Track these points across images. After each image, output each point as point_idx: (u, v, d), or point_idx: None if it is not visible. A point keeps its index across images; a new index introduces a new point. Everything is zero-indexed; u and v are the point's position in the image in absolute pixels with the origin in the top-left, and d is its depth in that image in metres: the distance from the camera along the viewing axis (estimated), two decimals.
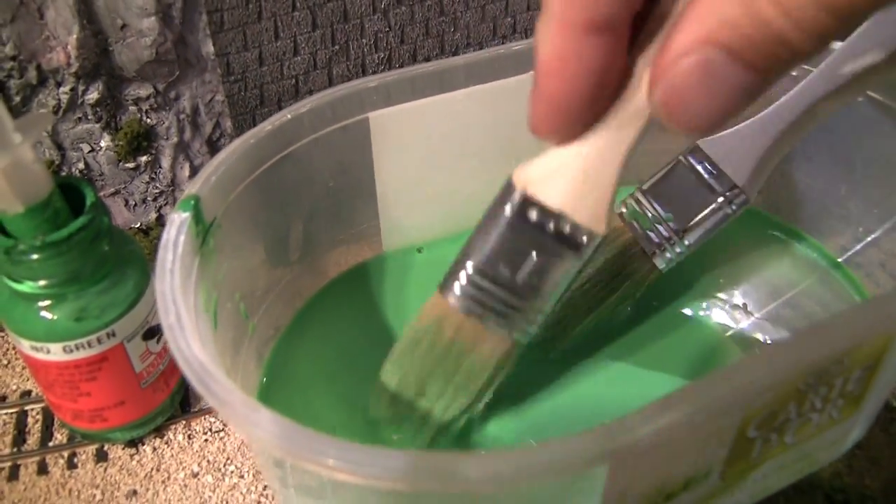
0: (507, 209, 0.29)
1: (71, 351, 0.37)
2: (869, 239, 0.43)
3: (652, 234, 0.38)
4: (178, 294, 0.27)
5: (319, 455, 0.22)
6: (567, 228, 0.28)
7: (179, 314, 0.26)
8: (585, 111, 0.24)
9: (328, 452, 0.22)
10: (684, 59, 0.20)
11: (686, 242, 0.38)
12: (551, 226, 0.28)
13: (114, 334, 0.38)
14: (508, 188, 0.29)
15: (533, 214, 0.28)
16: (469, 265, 0.30)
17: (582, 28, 0.22)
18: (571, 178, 0.27)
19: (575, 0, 0.22)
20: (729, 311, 0.42)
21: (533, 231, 0.29)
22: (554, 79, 0.23)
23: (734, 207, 0.37)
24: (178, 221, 0.30)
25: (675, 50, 0.21)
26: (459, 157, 0.42)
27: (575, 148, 0.27)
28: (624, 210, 0.40)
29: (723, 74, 0.20)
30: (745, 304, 0.42)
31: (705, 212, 0.37)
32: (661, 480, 0.27)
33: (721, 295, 0.43)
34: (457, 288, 0.31)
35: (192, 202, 0.30)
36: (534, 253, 0.29)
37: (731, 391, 0.24)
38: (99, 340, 0.37)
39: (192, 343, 0.25)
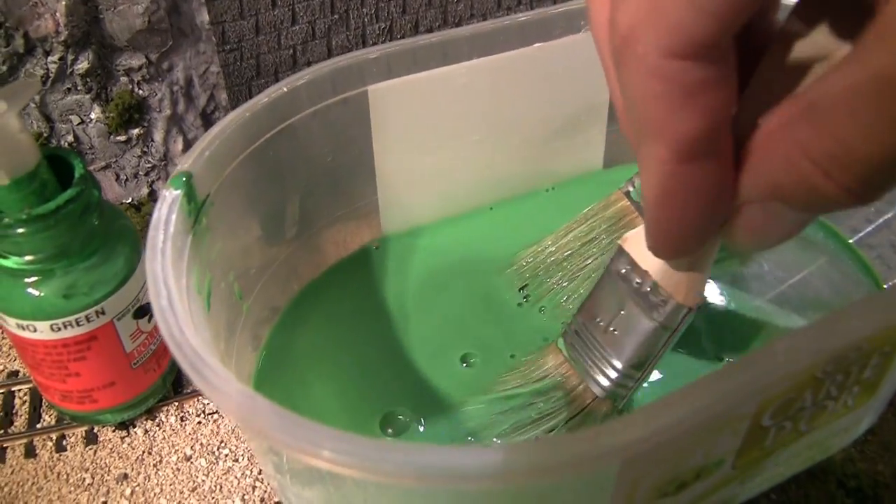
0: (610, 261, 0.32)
1: (59, 329, 0.36)
2: (881, 220, 0.43)
3: None
4: (169, 275, 0.26)
5: (317, 447, 0.21)
6: (648, 288, 0.30)
7: (171, 297, 0.25)
8: (705, 234, 0.24)
9: (325, 444, 0.21)
10: (750, 207, 0.22)
11: None
12: (636, 281, 0.30)
13: (103, 312, 0.36)
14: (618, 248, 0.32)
15: (626, 268, 0.31)
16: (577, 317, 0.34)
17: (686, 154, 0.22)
18: None
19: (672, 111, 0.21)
20: (737, 294, 0.41)
21: (622, 284, 0.31)
22: (666, 211, 0.23)
23: None
24: (169, 199, 0.28)
25: (741, 196, 0.22)
26: (461, 133, 0.41)
27: None
28: (631, 189, 0.39)
29: (785, 217, 0.22)
30: (753, 286, 0.42)
31: None
32: (674, 471, 0.26)
33: (728, 278, 0.42)
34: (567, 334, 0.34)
35: (185, 179, 0.29)
36: (622, 308, 0.31)
37: (746, 384, 0.23)
38: (88, 318, 0.36)
39: (185, 327, 0.24)
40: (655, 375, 0.37)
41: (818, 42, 0.21)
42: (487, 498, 0.25)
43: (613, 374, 0.32)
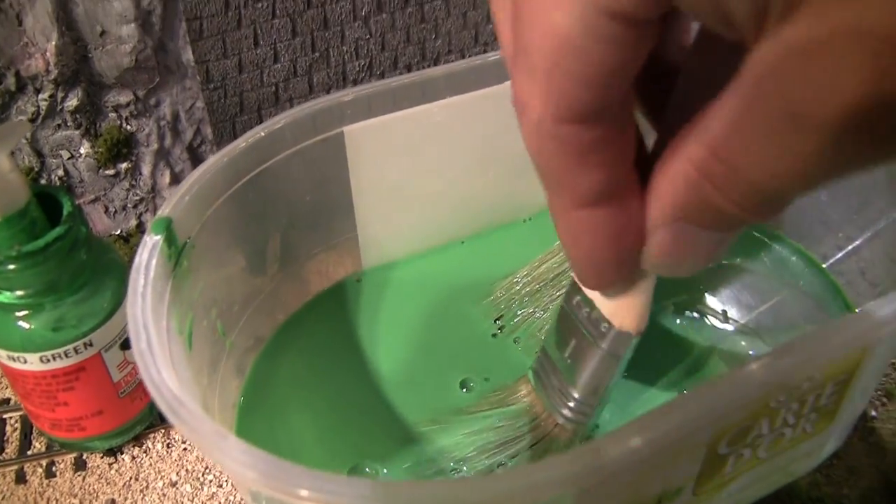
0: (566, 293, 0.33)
1: (48, 361, 0.37)
2: (850, 247, 0.43)
3: None
4: (149, 319, 0.27)
5: (288, 485, 0.22)
6: (595, 317, 0.31)
7: (150, 340, 0.26)
8: (622, 265, 0.25)
9: (297, 482, 0.22)
10: (657, 231, 0.23)
11: None
12: (585, 311, 0.31)
13: (91, 344, 0.37)
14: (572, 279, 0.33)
15: (577, 299, 0.32)
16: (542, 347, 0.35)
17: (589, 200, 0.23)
18: None
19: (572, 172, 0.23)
20: (710, 319, 0.42)
21: (575, 314, 0.32)
22: (577, 251, 0.25)
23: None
24: (149, 244, 0.30)
25: (650, 221, 0.23)
26: (438, 169, 0.42)
27: None
28: None
29: (695, 238, 0.22)
30: (725, 312, 0.42)
31: None
32: (632, 499, 0.27)
33: (701, 303, 0.43)
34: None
35: (164, 224, 0.30)
36: (575, 337, 0.32)
37: (695, 416, 0.24)
38: (76, 350, 0.37)
39: (163, 369, 0.25)
40: (635, 408, 0.38)
41: (716, 72, 0.22)
42: None
43: (571, 403, 0.34)
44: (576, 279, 0.26)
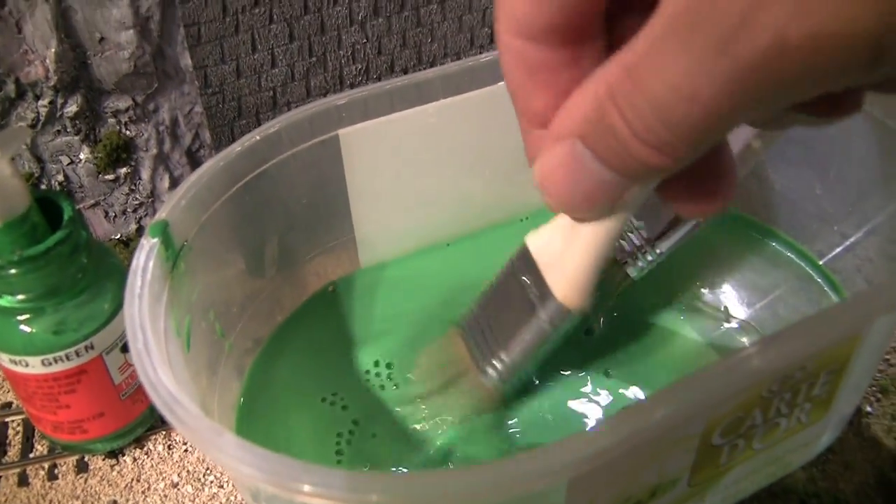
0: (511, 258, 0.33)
1: (49, 364, 0.37)
2: (846, 243, 0.43)
3: (624, 243, 0.38)
4: (146, 320, 0.27)
5: (283, 478, 0.22)
6: (537, 284, 0.31)
7: (147, 340, 0.26)
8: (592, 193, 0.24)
9: (291, 475, 0.22)
10: (557, 143, 0.21)
11: (658, 251, 0.38)
12: (528, 277, 0.32)
13: (92, 347, 0.38)
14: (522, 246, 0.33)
15: (523, 265, 0.32)
16: (476, 307, 0.36)
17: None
18: (558, 247, 0.30)
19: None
20: (708, 316, 0.42)
21: (517, 278, 0.32)
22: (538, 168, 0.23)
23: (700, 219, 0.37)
24: (146, 247, 0.30)
25: (552, 131, 0.22)
26: (435, 169, 0.42)
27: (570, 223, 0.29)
28: None
29: (587, 167, 0.21)
30: (725, 309, 0.43)
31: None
32: (626, 490, 0.28)
33: (699, 300, 0.43)
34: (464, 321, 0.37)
35: (161, 227, 0.31)
36: (514, 301, 0.33)
37: (687, 405, 0.24)
38: (77, 353, 0.38)
39: (159, 368, 0.25)
40: (632, 395, 0.38)
41: None
42: None
43: (496, 362, 0.35)
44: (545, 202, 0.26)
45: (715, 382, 0.25)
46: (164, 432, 0.43)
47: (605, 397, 0.38)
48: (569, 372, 0.39)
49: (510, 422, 0.37)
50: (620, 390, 0.39)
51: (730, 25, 0.16)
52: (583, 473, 0.23)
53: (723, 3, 0.16)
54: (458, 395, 0.36)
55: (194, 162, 0.53)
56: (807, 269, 0.44)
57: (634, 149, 0.19)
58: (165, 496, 0.40)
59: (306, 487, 0.22)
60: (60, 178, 0.50)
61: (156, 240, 0.30)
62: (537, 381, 0.39)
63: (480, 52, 0.55)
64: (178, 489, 0.40)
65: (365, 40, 0.53)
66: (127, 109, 0.49)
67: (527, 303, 0.32)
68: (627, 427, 0.23)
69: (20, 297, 0.36)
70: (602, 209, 0.23)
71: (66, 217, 0.36)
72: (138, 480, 0.41)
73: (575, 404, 0.38)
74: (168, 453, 0.42)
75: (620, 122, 0.19)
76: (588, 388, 0.39)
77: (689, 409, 0.25)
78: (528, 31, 0.21)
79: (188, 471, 0.41)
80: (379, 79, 0.55)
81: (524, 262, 0.32)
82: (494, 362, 0.35)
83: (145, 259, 0.30)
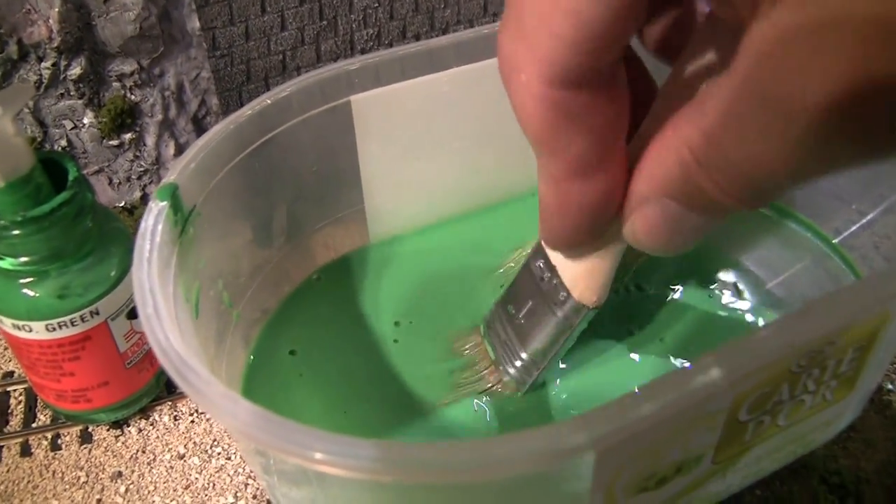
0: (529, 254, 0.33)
1: (53, 329, 0.36)
2: (863, 221, 0.43)
3: None
4: (155, 284, 0.26)
5: (297, 445, 0.21)
6: (555, 283, 0.32)
7: (157, 305, 0.25)
8: (595, 232, 0.26)
9: (306, 443, 0.21)
10: (645, 205, 0.23)
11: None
12: (546, 276, 0.32)
13: (97, 312, 0.37)
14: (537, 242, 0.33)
15: (540, 263, 0.32)
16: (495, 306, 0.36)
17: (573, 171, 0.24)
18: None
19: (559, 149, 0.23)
20: (722, 294, 0.42)
21: (534, 277, 0.33)
22: (559, 219, 0.26)
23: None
24: (155, 210, 0.29)
25: (636, 194, 0.23)
26: (446, 140, 0.42)
27: None
28: None
29: (681, 218, 0.23)
30: (738, 287, 0.42)
31: None
32: (652, 466, 0.27)
33: (714, 278, 0.42)
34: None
35: (170, 190, 0.30)
36: (531, 300, 0.33)
37: (718, 377, 0.24)
38: (82, 319, 0.37)
39: (170, 333, 0.24)
40: (646, 380, 0.38)
41: (716, 54, 0.22)
42: (469, 492, 0.25)
43: (517, 361, 0.34)
44: (541, 238, 0.27)
45: (747, 353, 0.24)
46: (169, 403, 0.42)
47: (619, 374, 0.38)
48: (583, 350, 0.38)
49: (524, 401, 0.37)
50: (633, 368, 0.38)
51: (789, 94, 0.17)
52: (613, 445, 0.22)
53: (783, 73, 0.17)
54: (472, 388, 0.36)
55: (200, 129, 0.52)
56: (822, 249, 0.43)
57: (721, 201, 0.20)
58: (171, 468, 0.39)
59: (320, 455, 0.21)
60: (63, 143, 0.49)
61: (164, 203, 0.29)
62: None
63: (494, 19, 0.54)
64: (185, 461, 0.40)
65: (377, 4, 0.52)
66: (132, 73, 0.48)
67: (544, 300, 0.32)
68: (663, 396, 0.22)
69: (23, 259, 0.35)
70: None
71: (70, 178, 0.35)
72: (143, 451, 0.40)
73: (588, 382, 0.37)
74: (174, 424, 0.41)
75: (708, 182, 0.20)
76: (602, 365, 0.38)
77: (723, 379, 0.24)
78: (568, 77, 0.21)
79: (195, 442, 0.40)
80: (391, 44, 0.54)
81: (540, 258, 0.32)
82: (516, 362, 0.35)
83: (154, 222, 0.29)
